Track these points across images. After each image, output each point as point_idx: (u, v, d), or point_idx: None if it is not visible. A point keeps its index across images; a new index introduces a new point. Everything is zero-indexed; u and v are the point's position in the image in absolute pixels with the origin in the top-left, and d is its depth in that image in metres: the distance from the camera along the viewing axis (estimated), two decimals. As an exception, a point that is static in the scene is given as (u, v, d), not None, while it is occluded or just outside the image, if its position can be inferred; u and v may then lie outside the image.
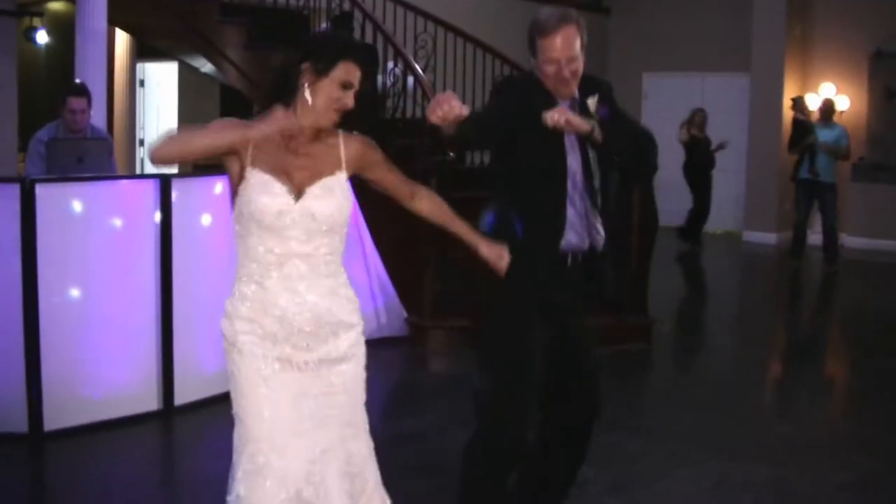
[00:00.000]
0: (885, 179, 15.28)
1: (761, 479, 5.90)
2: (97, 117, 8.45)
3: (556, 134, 4.11)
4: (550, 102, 4.13)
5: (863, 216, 14.50)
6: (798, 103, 14.75)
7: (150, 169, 15.48)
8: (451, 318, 8.68)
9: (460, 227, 3.97)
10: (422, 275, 8.77)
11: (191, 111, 16.14)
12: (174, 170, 6.39)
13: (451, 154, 8.78)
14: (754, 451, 6.40)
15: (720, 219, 17.27)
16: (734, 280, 14.52)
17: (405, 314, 8.88)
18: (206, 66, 13.32)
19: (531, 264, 4.19)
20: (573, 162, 4.26)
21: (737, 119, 17.02)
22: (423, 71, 10.20)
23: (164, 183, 6.61)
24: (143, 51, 14.93)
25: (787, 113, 15.49)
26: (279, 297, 3.57)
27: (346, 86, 3.53)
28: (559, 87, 4.18)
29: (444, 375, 8.38)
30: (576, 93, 4.24)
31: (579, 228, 4.29)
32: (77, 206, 6.31)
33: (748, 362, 9.12)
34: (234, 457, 3.58)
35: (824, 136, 13.59)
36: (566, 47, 4.10)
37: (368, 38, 10.05)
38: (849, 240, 14.57)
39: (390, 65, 10.46)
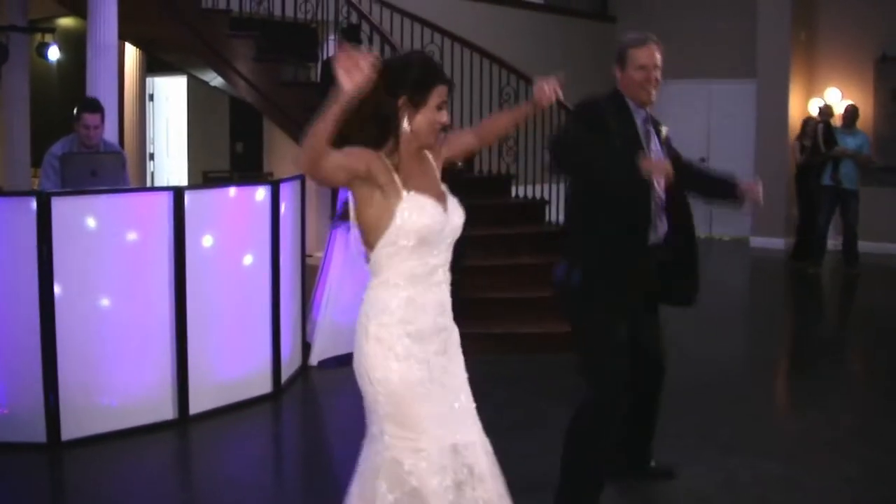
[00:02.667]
0: (893, 183, 15.30)
1: (770, 476, 5.97)
2: (109, 131, 8.53)
3: (638, 138, 4.96)
4: (629, 114, 5.01)
5: (873, 220, 14.50)
6: (825, 112, 14.77)
7: (161, 181, 15.60)
8: (463, 325, 8.71)
9: (507, 116, 4.40)
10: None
11: (200, 125, 16.23)
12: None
13: (461, 163, 8.86)
14: (763, 449, 6.47)
15: (728, 224, 17.34)
16: (742, 284, 14.56)
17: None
18: (215, 80, 13.39)
19: (622, 262, 4.97)
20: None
21: (744, 125, 17.08)
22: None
23: (178, 195, 6.70)
24: (153, 65, 15.01)
25: (796, 119, 15.54)
26: (428, 302, 3.77)
27: (440, 107, 3.73)
28: (642, 93, 5.00)
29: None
30: (650, 104, 5.07)
31: (656, 225, 5.07)
32: (92, 219, 6.40)
33: (756, 362, 9.17)
34: (388, 457, 3.68)
35: (847, 142, 13.67)
36: (654, 56, 5.03)
37: (376, 51, 10.12)
38: (859, 244, 14.57)
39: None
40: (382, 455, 3.66)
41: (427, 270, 3.72)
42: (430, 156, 3.89)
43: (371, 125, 3.64)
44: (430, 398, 3.70)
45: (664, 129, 5.19)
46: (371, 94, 3.49)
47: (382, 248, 3.67)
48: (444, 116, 3.74)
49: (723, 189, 5.48)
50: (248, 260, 7.28)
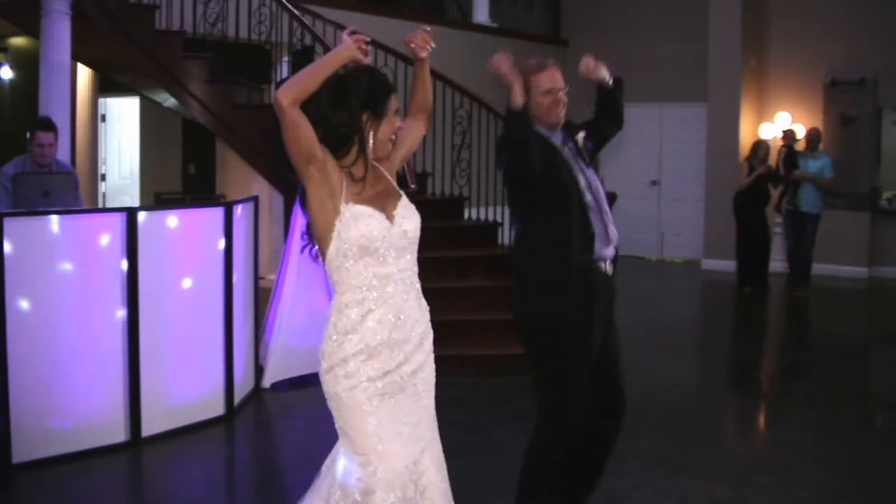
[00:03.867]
0: (843, 206, 15.47)
1: (722, 498, 6.01)
2: (62, 151, 8.51)
3: (564, 160, 4.95)
4: (547, 138, 4.95)
5: (823, 243, 14.64)
6: (789, 136, 14.91)
7: (113, 202, 15.51)
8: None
9: (416, 83, 4.34)
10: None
11: (153, 146, 16.18)
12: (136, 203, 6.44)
13: (413, 186, 8.90)
14: (715, 471, 6.51)
15: (680, 247, 17.50)
16: (693, 306, 14.67)
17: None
18: (168, 101, 13.35)
19: (575, 279, 4.82)
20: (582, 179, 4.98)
21: (695, 148, 17.23)
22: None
23: (130, 216, 6.68)
24: (105, 85, 14.93)
25: (746, 142, 15.67)
26: (383, 315, 3.80)
27: (397, 111, 3.87)
28: (552, 116, 4.97)
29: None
30: (562, 123, 5.05)
31: (603, 239, 4.95)
32: (44, 239, 6.36)
33: (707, 385, 9.26)
34: (342, 468, 3.80)
35: (810, 165, 13.80)
36: (556, 78, 4.99)
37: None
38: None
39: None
40: (338, 464, 3.81)
41: (379, 282, 3.77)
42: (382, 166, 3.97)
43: (337, 141, 3.77)
44: (380, 415, 3.75)
45: (580, 137, 5.15)
46: (327, 112, 3.72)
47: (332, 261, 3.78)
48: (398, 122, 3.89)
49: (600, 97, 5.42)
50: (200, 282, 7.26)
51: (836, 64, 15.98)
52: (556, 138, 5.02)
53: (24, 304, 6.25)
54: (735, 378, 9.87)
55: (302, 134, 3.63)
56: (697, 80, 16.83)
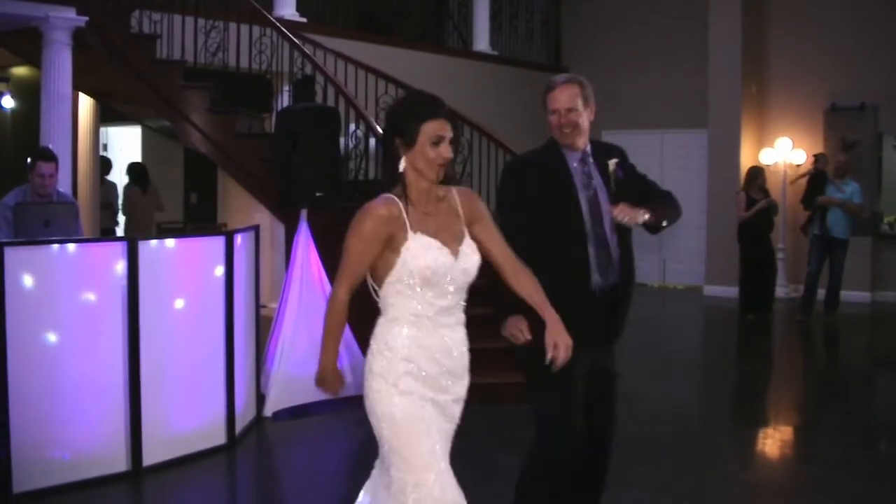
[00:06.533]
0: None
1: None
2: (63, 181, 8.52)
3: (569, 185, 4.85)
4: (562, 160, 4.89)
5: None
6: (820, 159, 14.89)
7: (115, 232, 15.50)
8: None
9: (546, 309, 4.24)
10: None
11: (154, 175, 16.22)
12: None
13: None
14: (718, 500, 6.51)
15: (682, 273, 17.50)
16: (694, 333, 14.65)
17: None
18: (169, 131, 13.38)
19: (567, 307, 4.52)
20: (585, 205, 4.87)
21: (696, 175, 17.25)
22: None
23: (131, 245, 6.68)
24: (107, 115, 14.97)
25: (747, 167, 15.67)
26: (438, 342, 3.94)
27: (437, 142, 3.84)
28: (560, 136, 4.89)
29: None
30: (580, 146, 4.91)
31: (602, 268, 4.85)
32: (45, 269, 6.36)
33: (710, 412, 9.23)
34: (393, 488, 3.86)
35: (836, 193, 13.75)
36: (560, 100, 4.90)
37: (330, 101, 10.16)
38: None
39: (352, 127, 10.59)
40: (390, 487, 3.85)
41: (434, 312, 3.88)
42: (457, 199, 4.05)
43: (384, 169, 3.97)
44: (431, 435, 3.85)
45: (611, 163, 4.97)
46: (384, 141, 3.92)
47: (390, 285, 3.86)
48: (444, 151, 3.87)
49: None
50: (201, 311, 7.26)
51: (836, 89, 16.04)
52: (573, 158, 4.92)
53: (25, 334, 6.24)
54: (738, 406, 9.84)
55: (372, 271, 3.91)
56: (698, 106, 16.87)
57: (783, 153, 16.25)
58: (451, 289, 3.91)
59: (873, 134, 16.03)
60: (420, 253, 3.79)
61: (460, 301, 4.00)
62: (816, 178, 14.20)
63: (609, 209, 4.83)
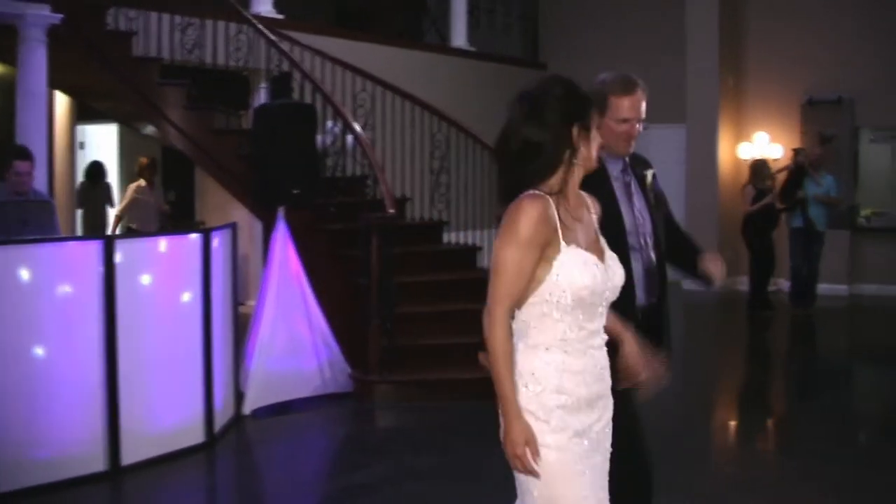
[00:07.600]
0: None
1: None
2: (39, 180, 8.47)
3: (612, 198, 4.30)
4: (601, 170, 4.09)
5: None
6: (800, 154, 14.89)
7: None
8: (397, 372, 8.74)
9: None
10: (366, 330, 8.80)
11: (131, 173, 16.15)
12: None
13: (391, 210, 8.86)
14: (701, 490, 6.54)
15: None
16: (674, 327, 14.60)
17: (349, 369, 8.92)
18: (146, 128, 13.32)
19: None
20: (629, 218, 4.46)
21: (675, 169, 17.26)
22: (363, 129, 10.33)
23: (108, 244, 6.65)
24: (83, 112, 14.89)
25: (725, 163, 15.73)
26: (588, 366, 3.34)
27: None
28: (622, 146, 4.38)
29: (391, 429, 8.43)
30: (628, 153, 4.46)
31: (648, 286, 4.55)
32: (22, 268, 6.33)
33: (697, 405, 9.24)
34: None
35: (814, 187, 13.78)
36: (639, 107, 4.38)
37: (308, 99, 10.14)
38: (787, 284, 14.74)
39: (329, 124, 10.57)
40: None
41: (583, 335, 3.31)
42: (589, 202, 3.52)
43: (538, 161, 3.31)
44: (586, 476, 3.30)
45: (649, 174, 4.62)
46: (516, 132, 3.34)
47: (534, 305, 3.28)
48: (598, 136, 3.44)
49: (688, 258, 4.97)
50: (179, 309, 7.23)
51: (813, 83, 16.11)
52: (614, 167, 4.45)
53: (2, 333, 6.20)
54: (726, 398, 9.87)
55: (529, 289, 3.26)
56: (676, 101, 16.88)
57: (760, 147, 16.29)
58: (601, 310, 3.36)
59: (850, 127, 16.11)
60: (575, 269, 3.24)
61: (604, 320, 3.41)
62: (796, 173, 14.21)
63: (650, 227, 4.55)
